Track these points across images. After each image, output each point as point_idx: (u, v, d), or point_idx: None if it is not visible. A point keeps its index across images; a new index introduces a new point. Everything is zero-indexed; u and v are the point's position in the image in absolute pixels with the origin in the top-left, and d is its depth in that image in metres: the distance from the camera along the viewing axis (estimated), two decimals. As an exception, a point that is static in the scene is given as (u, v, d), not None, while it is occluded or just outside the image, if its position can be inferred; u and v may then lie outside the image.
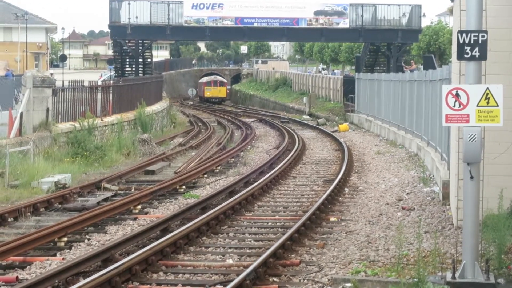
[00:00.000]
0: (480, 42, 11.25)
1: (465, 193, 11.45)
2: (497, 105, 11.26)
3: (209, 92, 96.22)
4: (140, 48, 55.89)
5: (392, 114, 38.70)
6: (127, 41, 55.49)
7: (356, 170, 27.34)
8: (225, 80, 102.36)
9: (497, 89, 11.30)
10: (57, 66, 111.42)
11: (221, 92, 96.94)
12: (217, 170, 27.49)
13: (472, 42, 11.26)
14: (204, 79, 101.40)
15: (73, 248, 15.06)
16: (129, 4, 53.93)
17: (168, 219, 16.84)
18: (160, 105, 48.88)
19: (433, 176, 23.72)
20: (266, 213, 19.20)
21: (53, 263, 13.69)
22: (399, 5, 55.90)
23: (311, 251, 14.65)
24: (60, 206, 19.90)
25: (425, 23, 76.68)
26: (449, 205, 18.32)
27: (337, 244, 15.24)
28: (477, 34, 11.28)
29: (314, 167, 28.71)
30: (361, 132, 45.16)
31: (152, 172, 26.90)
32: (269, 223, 17.72)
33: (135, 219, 18.18)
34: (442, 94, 11.49)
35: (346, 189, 22.72)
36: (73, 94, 33.01)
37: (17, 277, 12.57)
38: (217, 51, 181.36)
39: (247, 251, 14.75)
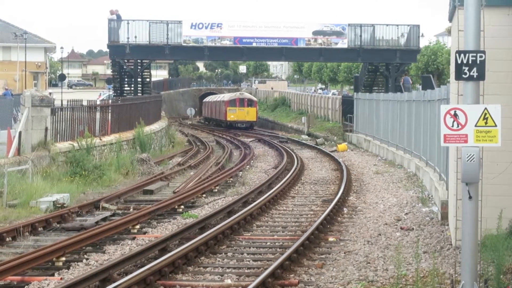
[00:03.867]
0: (478, 62, 11.27)
1: (464, 213, 11.43)
2: (496, 125, 11.26)
3: (233, 115, 75.06)
4: (139, 67, 55.92)
5: (390, 134, 38.74)
6: (126, 61, 55.51)
7: (355, 190, 27.33)
8: (254, 98, 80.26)
9: (495, 109, 11.31)
10: (56, 85, 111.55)
11: (249, 114, 75.42)
12: (216, 190, 27.47)
13: (470, 62, 11.28)
14: (226, 97, 79.56)
15: (71, 267, 15.03)
16: (128, 23, 54.02)
17: (167, 238, 16.81)
18: (159, 124, 48.90)
19: (432, 196, 23.72)
20: (265, 233, 19.17)
21: (51, 283, 13.66)
22: (397, 25, 56.00)
23: (309, 271, 14.62)
24: (58, 225, 19.87)
25: (423, 43, 76.84)
26: (447, 225, 18.31)
27: (336, 264, 15.22)
28: (475, 54, 11.30)
29: (312, 187, 28.70)
30: (359, 152, 45.18)
31: (151, 192, 26.87)
32: (268, 243, 17.69)
33: (133, 238, 18.16)
34: (440, 114, 11.51)
35: (344, 209, 22.71)
36: (72, 114, 33.03)
37: (15, 297, 12.55)
38: (216, 70, 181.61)
39: (246, 271, 14.72)
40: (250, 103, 76.21)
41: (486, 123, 11.26)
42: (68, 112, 32.79)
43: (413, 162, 31.17)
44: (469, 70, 11.29)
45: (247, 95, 79.55)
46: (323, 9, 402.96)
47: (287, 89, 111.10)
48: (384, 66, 57.13)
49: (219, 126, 78.84)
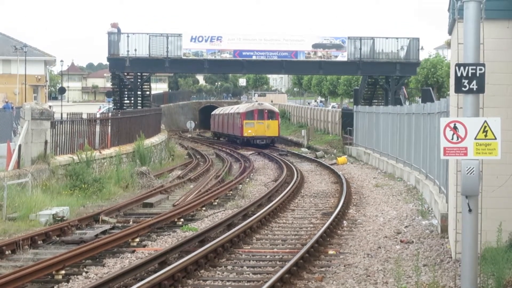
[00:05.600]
0: (477, 75, 11.29)
1: (464, 226, 11.42)
2: (495, 138, 11.27)
3: (250, 130, 65.19)
4: (139, 80, 55.97)
5: (390, 146, 38.74)
6: (125, 74, 55.58)
7: (355, 203, 27.31)
8: (275, 110, 69.35)
9: (495, 122, 11.32)
10: (55, 98, 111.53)
11: (270, 129, 65.38)
12: (216, 203, 27.44)
13: (469, 75, 11.30)
14: (241, 108, 69.52)
15: (70, 281, 15.00)
16: (128, 36, 54.11)
17: (166, 252, 16.78)
18: (158, 137, 48.89)
19: (432, 209, 23.70)
20: (265, 246, 19.14)
21: (51, 296, 13.64)
22: (397, 38, 56.10)
23: (309, 284, 14.59)
24: (58, 239, 19.84)
25: (423, 56, 77.05)
26: (447, 238, 18.29)
27: (336, 277, 15.19)
28: (474, 67, 11.32)
29: (312, 200, 28.67)
30: (359, 164, 45.16)
31: (151, 205, 26.84)
32: (268, 256, 17.66)
33: (133, 252, 18.13)
34: (440, 127, 11.52)
35: (344, 222, 22.68)
36: (72, 127, 33.02)
37: (14, 310, 12.51)
38: (216, 83, 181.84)
39: (246, 284, 14.69)
40: (271, 115, 66.32)
41: (485, 136, 11.28)
42: (68, 125, 32.79)
43: (413, 175, 31.15)
44: (469, 83, 11.31)
45: (267, 106, 69.42)
46: (322, 22, 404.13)
47: (287, 102, 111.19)
48: (383, 79, 57.20)
49: (233, 142, 69.87)
